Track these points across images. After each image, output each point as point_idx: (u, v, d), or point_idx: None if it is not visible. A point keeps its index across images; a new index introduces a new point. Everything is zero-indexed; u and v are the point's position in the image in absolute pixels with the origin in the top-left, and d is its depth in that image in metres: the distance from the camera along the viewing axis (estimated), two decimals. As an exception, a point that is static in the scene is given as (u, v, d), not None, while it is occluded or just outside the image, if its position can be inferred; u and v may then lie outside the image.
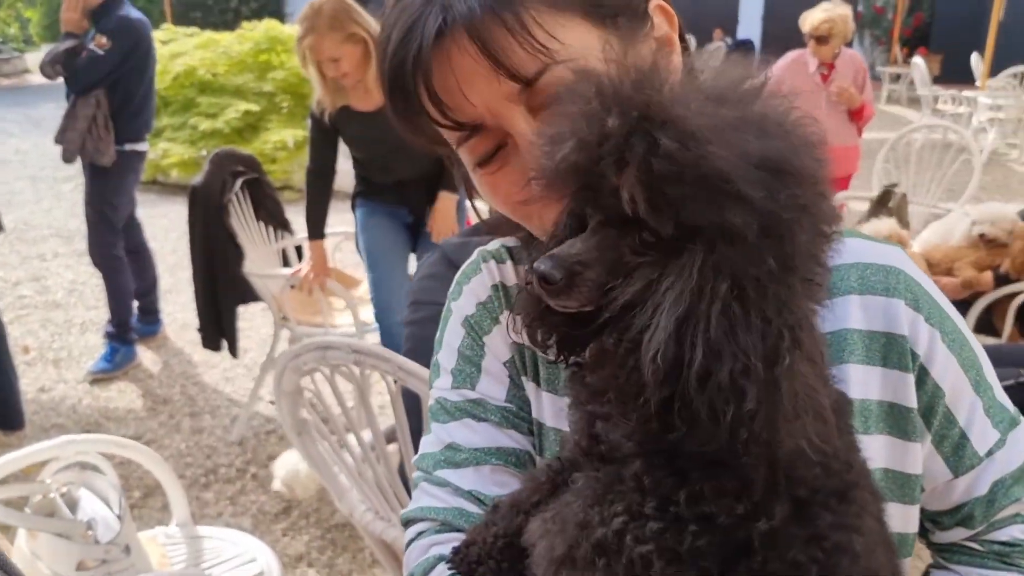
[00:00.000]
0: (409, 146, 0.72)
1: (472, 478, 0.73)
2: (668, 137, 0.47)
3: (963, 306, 3.38)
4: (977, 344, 0.76)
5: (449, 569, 0.67)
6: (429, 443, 0.77)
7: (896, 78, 13.78)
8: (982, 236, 3.13)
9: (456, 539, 0.69)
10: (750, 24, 18.02)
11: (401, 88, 0.65)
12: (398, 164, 3.18)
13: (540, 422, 0.76)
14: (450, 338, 0.80)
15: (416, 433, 1.60)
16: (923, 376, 0.71)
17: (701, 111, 0.49)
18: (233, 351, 3.66)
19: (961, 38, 15.18)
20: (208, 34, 8.72)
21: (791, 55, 4.96)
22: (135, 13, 3.98)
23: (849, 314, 0.71)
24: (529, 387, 0.77)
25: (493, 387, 0.76)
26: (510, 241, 0.82)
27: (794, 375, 0.49)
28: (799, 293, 0.50)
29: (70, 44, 3.81)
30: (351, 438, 1.74)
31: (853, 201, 4.93)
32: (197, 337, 3.64)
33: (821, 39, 4.58)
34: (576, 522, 0.55)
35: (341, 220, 6.95)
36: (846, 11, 4.59)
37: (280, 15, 17.51)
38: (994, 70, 9.98)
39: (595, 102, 0.51)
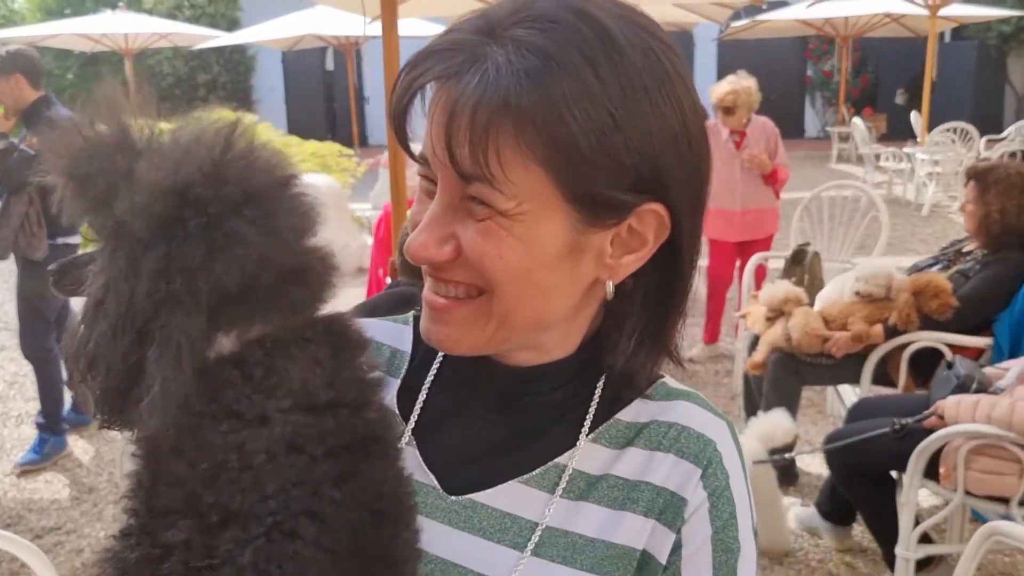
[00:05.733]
0: None
1: None
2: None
3: (859, 359, 3.51)
4: (751, 547, 0.73)
5: None
6: None
7: (845, 137, 14.25)
8: (858, 293, 3.26)
9: None
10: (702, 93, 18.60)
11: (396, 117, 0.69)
12: None
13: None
14: None
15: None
16: (676, 536, 0.71)
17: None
18: (157, 436, 3.70)
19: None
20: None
21: (706, 124, 5.22)
22: (64, 111, 4.16)
23: (654, 470, 0.72)
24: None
25: None
26: None
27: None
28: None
29: (1, 145, 3.97)
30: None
31: (772, 260, 5.10)
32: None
33: (727, 110, 4.81)
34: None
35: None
36: (750, 83, 4.83)
37: (248, 103, 17.96)
38: (932, 127, 10.38)
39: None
